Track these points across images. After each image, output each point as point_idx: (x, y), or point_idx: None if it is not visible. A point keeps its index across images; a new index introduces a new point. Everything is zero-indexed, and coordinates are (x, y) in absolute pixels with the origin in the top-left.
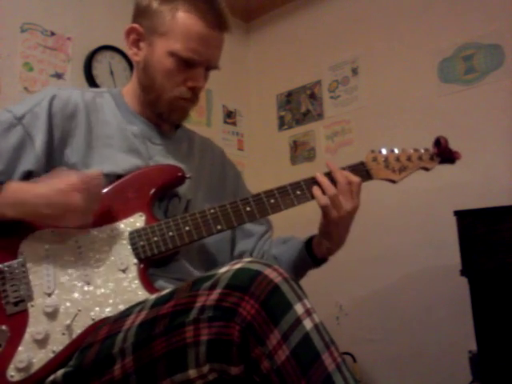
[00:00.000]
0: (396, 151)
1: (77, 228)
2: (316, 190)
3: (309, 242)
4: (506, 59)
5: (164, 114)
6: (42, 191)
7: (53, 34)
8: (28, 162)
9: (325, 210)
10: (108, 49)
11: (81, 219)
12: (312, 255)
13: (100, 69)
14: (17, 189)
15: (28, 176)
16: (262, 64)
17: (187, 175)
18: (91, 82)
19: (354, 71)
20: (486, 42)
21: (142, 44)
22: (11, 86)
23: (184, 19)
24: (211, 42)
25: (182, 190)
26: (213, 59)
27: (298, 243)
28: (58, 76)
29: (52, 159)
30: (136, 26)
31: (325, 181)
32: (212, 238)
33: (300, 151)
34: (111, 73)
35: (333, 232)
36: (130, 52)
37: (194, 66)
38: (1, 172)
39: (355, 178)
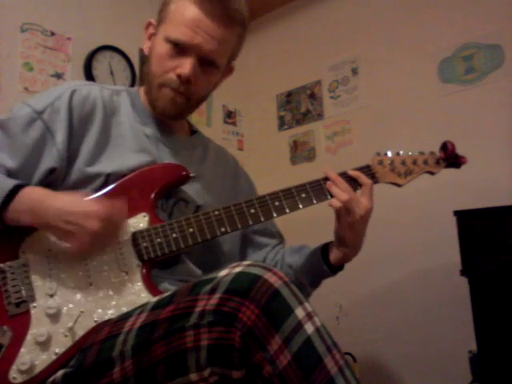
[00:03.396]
0: (401, 154)
1: (75, 255)
2: (335, 188)
3: (324, 250)
4: (506, 59)
5: (154, 103)
6: (62, 204)
7: (53, 34)
8: (50, 159)
9: (339, 212)
10: (108, 49)
11: (86, 248)
12: (328, 263)
13: (100, 69)
14: (37, 195)
15: (51, 173)
16: (262, 64)
17: (192, 174)
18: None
19: (354, 71)
20: (486, 42)
21: (153, 37)
22: (11, 86)
23: (182, 5)
24: (202, 27)
25: (190, 194)
26: (204, 47)
27: (314, 251)
28: (58, 76)
29: (70, 156)
30: (152, 20)
31: (341, 181)
32: (220, 240)
33: (300, 151)
34: (111, 73)
35: (347, 237)
36: (144, 46)
37: (185, 52)
38: (18, 169)
39: (367, 180)
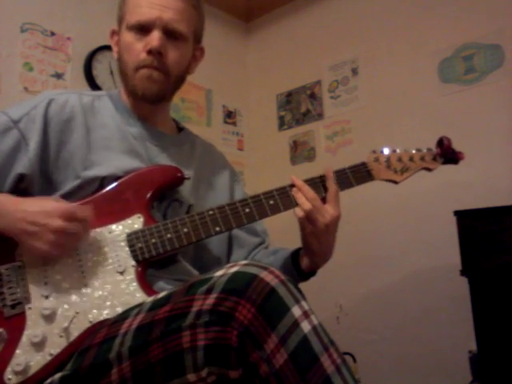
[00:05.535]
0: (398, 151)
1: (40, 258)
2: (300, 197)
3: (296, 254)
4: (506, 59)
5: (134, 89)
6: (25, 207)
7: (53, 34)
8: (21, 165)
9: (301, 221)
10: (108, 49)
11: (50, 246)
12: (298, 268)
13: (100, 69)
14: (2, 201)
15: (20, 179)
16: (261, 64)
17: (186, 176)
18: (91, 82)
19: (354, 71)
20: (486, 42)
21: (119, 40)
22: (11, 86)
23: None
24: (156, 2)
25: (183, 194)
26: (164, 18)
27: (285, 255)
28: (58, 76)
29: (48, 163)
30: (114, 27)
31: (307, 189)
32: (211, 239)
33: (300, 151)
34: (111, 73)
35: (313, 245)
36: (113, 53)
37: (149, 31)
38: None
39: (333, 186)
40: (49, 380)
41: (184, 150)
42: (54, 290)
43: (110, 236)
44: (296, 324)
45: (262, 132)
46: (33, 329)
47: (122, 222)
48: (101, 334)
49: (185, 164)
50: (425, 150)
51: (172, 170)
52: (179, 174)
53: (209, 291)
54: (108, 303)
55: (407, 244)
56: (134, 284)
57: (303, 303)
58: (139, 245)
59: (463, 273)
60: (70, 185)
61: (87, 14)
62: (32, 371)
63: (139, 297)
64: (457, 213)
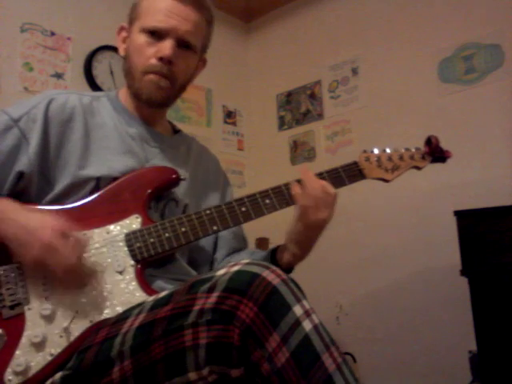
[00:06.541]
0: (388, 151)
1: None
2: (295, 187)
3: (274, 252)
4: (506, 59)
5: (138, 92)
6: (23, 219)
7: (53, 33)
8: (21, 164)
9: (303, 209)
10: (108, 49)
11: (40, 260)
12: (277, 266)
13: (100, 69)
14: (4, 210)
15: (20, 178)
16: (261, 64)
17: (182, 177)
18: (91, 82)
19: (354, 71)
20: (486, 42)
21: (127, 39)
22: (11, 86)
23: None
24: (175, 11)
25: (179, 194)
26: (180, 30)
27: (263, 253)
28: (58, 76)
29: (47, 162)
30: (124, 24)
31: (312, 179)
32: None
33: (300, 151)
34: (111, 73)
35: (303, 236)
36: (120, 50)
37: (162, 37)
38: None
39: (332, 190)
40: (49, 380)
41: (180, 151)
42: (53, 290)
43: (108, 236)
44: (297, 323)
45: (262, 132)
46: (32, 329)
47: (120, 223)
48: (102, 333)
49: (181, 165)
50: (413, 149)
51: (168, 171)
52: (175, 175)
53: (211, 290)
54: (108, 303)
55: (407, 244)
56: (134, 283)
57: (304, 302)
58: (138, 244)
59: (463, 273)
60: (64, 184)
61: (87, 14)
62: (32, 372)
63: (139, 296)
64: (457, 213)
